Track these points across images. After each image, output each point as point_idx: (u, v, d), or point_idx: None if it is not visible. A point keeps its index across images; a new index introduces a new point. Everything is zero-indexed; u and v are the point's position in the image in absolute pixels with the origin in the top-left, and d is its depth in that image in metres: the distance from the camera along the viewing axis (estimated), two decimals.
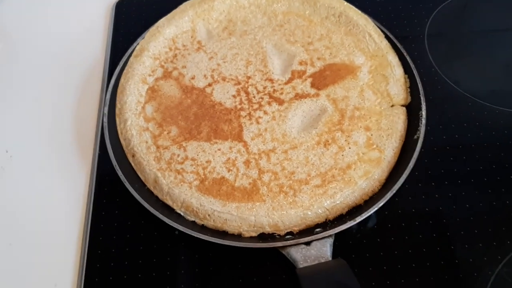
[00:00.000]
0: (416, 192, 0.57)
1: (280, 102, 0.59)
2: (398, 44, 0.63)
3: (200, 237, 0.49)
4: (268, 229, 0.51)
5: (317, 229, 0.50)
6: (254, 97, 0.60)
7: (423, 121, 0.56)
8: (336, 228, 0.49)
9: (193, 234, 0.49)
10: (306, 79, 0.61)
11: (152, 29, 0.66)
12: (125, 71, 0.63)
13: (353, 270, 0.46)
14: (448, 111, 0.63)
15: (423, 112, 0.56)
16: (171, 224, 0.50)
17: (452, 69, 0.67)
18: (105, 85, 0.67)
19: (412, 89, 0.60)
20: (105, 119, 0.59)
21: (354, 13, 0.65)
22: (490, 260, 0.53)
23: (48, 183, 0.60)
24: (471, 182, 0.58)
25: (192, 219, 0.52)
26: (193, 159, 0.55)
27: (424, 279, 0.51)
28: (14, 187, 0.60)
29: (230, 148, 0.56)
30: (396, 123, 0.57)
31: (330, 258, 0.47)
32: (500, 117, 0.63)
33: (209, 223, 0.51)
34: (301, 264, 0.47)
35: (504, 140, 0.61)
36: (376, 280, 0.51)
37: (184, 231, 0.50)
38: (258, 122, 0.58)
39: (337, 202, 0.52)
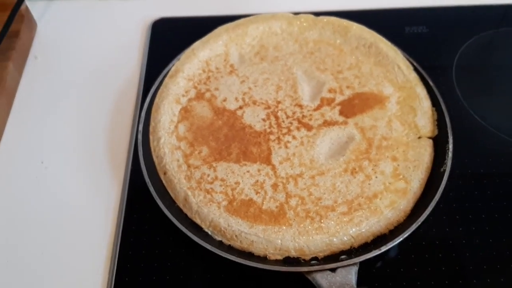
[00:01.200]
0: (440, 224, 0.57)
1: (309, 128, 0.61)
2: (427, 77, 0.64)
3: (227, 257, 0.50)
4: (293, 253, 0.51)
5: (343, 256, 0.51)
6: (283, 121, 0.61)
7: (450, 154, 0.56)
8: (361, 256, 0.49)
9: (220, 254, 0.50)
10: (335, 107, 0.62)
11: (188, 51, 0.68)
12: (160, 90, 0.65)
13: None
14: (473, 145, 0.64)
15: (450, 146, 0.57)
16: (200, 243, 0.51)
17: (479, 103, 0.68)
18: (139, 102, 0.69)
19: (440, 122, 0.60)
20: (140, 136, 0.60)
21: (384, 44, 0.67)
22: None
23: (80, 196, 0.62)
24: (495, 217, 0.58)
25: (220, 238, 0.53)
26: (222, 180, 0.56)
27: None
28: (46, 198, 0.62)
29: (259, 170, 0.57)
30: (422, 155, 0.57)
31: (355, 286, 0.48)
32: None
33: (236, 244, 0.52)
34: None
35: None
36: None
37: (212, 251, 0.50)
38: (286, 147, 0.59)
39: (363, 230, 0.52)
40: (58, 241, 0.58)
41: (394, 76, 0.65)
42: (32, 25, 0.81)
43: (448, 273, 0.54)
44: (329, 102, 0.63)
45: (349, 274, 0.48)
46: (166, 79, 0.66)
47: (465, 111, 0.67)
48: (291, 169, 0.57)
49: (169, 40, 0.77)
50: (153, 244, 0.56)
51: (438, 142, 0.59)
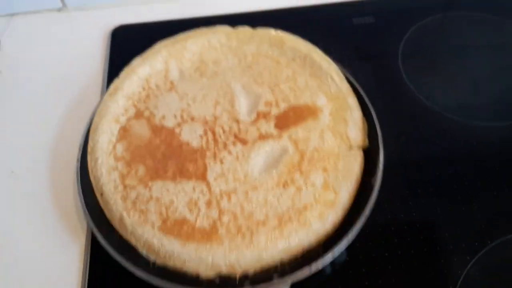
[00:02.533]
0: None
1: (244, 142, 0.62)
2: (358, 87, 0.65)
3: (157, 283, 0.51)
4: (224, 270, 0.52)
5: (274, 274, 0.52)
6: (220, 137, 0.62)
7: (381, 166, 0.58)
8: (292, 275, 0.51)
9: (147, 279, 0.51)
10: (270, 120, 0.63)
11: (127, 68, 0.69)
12: (99, 109, 0.65)
13: None
14: (419, 126, 0.68)
15: (381, 157, 0.58)
16: (129, 269, 0.52)
17: (424, 85, 0.72)
18: None
19: (371, 133, 0.62)
20: (78, 159, 0.61)
21: (318, 55, 0.68)
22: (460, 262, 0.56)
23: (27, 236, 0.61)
24: (437, 193, 0.62)
25: (154, 259, 0.54)
26: (157, 199, 0.57)
27: None
28: None
29: (194, 188, 0.58)
30: (352, 165, 0.59)
31: None
32: (468, 130, 0.67)
33: (170, 264, 0.53)
34: None
35: (472, 152, 0.66)
36: None
37: (139, 276, 0.51)
38: (222, 162, 0.60)
39: (292, 244, 0.53)
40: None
41: (327, 87, 0.66)
42: None
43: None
44: (265, 115, 0.64)
45: None
46: (105, 97, 0.66)
47: (410, 93, 0.71)
48: (225, 185, 0.58)
49: (130, 46, 0.77)
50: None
51: (370, 154, 0.60)
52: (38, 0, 0.86)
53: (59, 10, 0.88)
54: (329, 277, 0.56)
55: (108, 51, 0.79)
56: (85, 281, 0.56)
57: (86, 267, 0.57)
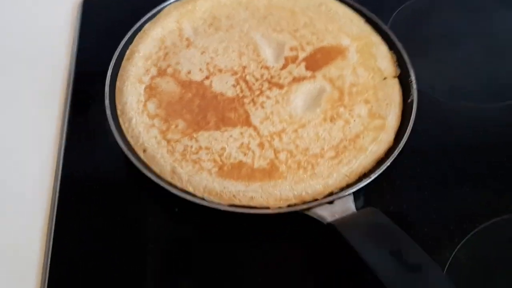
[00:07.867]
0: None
1: (280, 86, 0.65)
2: (381, 23, 0.71)
3: (228, 210, 0.54)
4: (294, 201, 0.55)
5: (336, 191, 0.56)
6: (253, 84, 0.65)
7: (414, 86, 0.64)
8: (354, 186, 0.56)
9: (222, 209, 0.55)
10: (300, 63, 0.67)
11: (139, 33, 0.70)
12: (119, 74, 0.66)
13: None
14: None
15: (413, 78, 0.64)
16: (207, 205, 0.55)
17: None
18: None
19: (400, 61, 0.68)
20: (110, 120, 0.61)
21: (333, 3, 0.73)
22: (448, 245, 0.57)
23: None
24: (425, 176, 0.64)
25: (218, 201, 0.56)
26: (207, 148, 0.59)
27: None
28: None
29: (241, 133, 0.60)
30: (392, 93, 0.64)
31: (355, 211, 0.54)
32: (460, 112, 0.69)
33: (236, 203, 0.55)
34: (330, 218, 0.52)
35: (466, 134, 0.68)
36: None
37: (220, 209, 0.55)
38: (263, 107, 0.63)
39: (354, 167, 0.58)
40: None
41: (348, 29, 0.71)
42: None
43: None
44: (293, 59, 0.68)
45: (346, 203, 0.54)
46: (124, 62, 0.67)
47: None
48: (273, 126, 0.61)
49: (101, 18, 0.79)
50: None
51: (402, 78, 0.66)
52: None
53: None
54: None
55: (79, 22, 0.79)
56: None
57: None
